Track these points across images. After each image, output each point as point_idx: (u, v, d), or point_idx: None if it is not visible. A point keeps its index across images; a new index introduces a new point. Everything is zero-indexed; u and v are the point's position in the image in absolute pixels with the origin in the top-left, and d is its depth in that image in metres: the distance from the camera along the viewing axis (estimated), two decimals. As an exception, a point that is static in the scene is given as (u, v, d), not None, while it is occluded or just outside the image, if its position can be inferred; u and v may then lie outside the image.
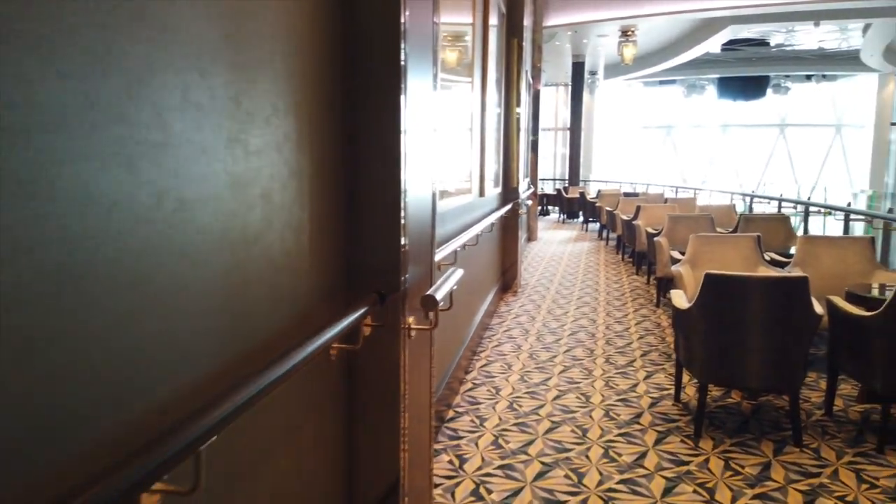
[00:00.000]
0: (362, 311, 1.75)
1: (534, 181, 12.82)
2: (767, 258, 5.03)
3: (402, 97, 1.84)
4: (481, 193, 5.14)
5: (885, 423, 3.13)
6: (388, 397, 1.94)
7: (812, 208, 9.69)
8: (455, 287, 2.28)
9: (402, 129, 1.86)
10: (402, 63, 1.83)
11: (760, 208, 11.94)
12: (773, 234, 6.33)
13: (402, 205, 1.88)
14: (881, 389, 3.10)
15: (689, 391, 3.96)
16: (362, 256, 1.93)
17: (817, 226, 10.25)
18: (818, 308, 3.17)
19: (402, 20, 1.80)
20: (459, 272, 2.37)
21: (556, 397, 3.95)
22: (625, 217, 9.49)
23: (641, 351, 4.93)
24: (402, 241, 1.90)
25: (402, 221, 1.88)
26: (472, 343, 4.89)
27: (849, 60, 18.17)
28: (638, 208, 8.85)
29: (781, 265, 4.86)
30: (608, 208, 11.63)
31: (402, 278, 1.92)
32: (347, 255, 1.91)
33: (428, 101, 2.22)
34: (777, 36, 17.08)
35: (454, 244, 3.59)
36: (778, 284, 3.12)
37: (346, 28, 1.83)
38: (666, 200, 10.71)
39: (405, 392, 1.93)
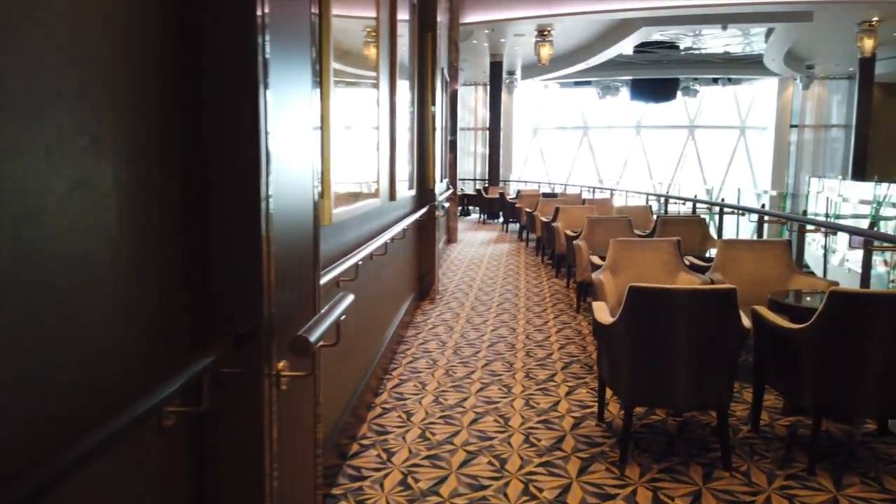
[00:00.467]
0: (207, 361, 1.33)
1: (453, 181, 12.54)
2: (687, 262, 4.90)
3: (263, 95, 1.44)
4: (392, 197, 4.75)
5: (815, 441, 2.96)
6: (249, 470, 1.51)
7: (726, 209, 9.87)
8: (343, 317, 1.89)
9: (264, 129, 1.46)
10: (264, 57, 1.45)
11: (675, 209, 12.14)
12: (690, 237, 6.27)
13: (264, 217, 1.46)
14: (812, 405, 2.93)
15: (613, 408, 3.72)
16: (211, 287, 1.50)
17: (730, 227, 10.47)
18: (746, 321, 2.97)
19: (260, 11, 1.43)
20: (349, 298, 1.97)
21: (473, 421, 3.61)
22: (544, 219, 9.34)
23: (562, 363, 4.67)
24: (265, 264, 1.48)
25: (265, 237, 1.47)
26: (384, 360, 4.49)
27: (752, 65, 18.96)
28: (557, 210, 8.70)
29: (702, 270, 4.73)
30: (527, 209, 11.50)
31: (266, 312, 1.50)
32: (192, 286, 1.47)
33: (307, 99, 1.84)
34: (686, 39, 17.61)
35: (356, 257, 3.18)
36: (706, 297, 2.90)
37: (187, 16, 1.42)
38: (584, 202, 10.67)
39: (272, 463, 1.51)
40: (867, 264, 5.24)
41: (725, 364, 2.94)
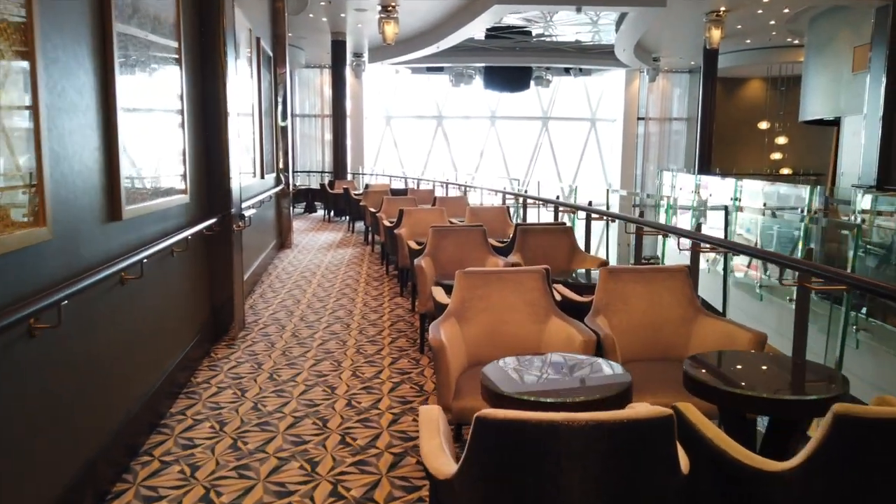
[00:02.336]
0: None
1: (281, 174, 10.68)
2: (558, 296, 3.63)
3: None
4: (113, 214, 3.02)
5: None
6: None
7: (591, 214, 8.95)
8: None
9: None
10: None
11: (533, 207, 11.17)
12: (556, 252, 5.09)
13: None
14: None
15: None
16: None
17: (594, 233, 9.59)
18: (683, 460, 1.64)
19: None
20: None
21: None
22: (387, 222, 7.88)
23: (393, 456, 3.21)
24: None
25: None
26: (111, 462, 2.78)
27: (603, 55, 18.75)
28: (401, 213, 7.27)
29: (577, 310, 3.45)
30: (372, 209, 9.98)
31: None
32: None
33: None
34: (538, 26, 16.92)
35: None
36: (617, 432, 1.52)
37: None
38: (435, 200, 9.34)
39: None
40: (695, 264, 4.43)
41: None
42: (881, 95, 10.08)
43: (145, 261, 3.17)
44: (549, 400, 2.16)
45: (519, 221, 8.07)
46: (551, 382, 2.44)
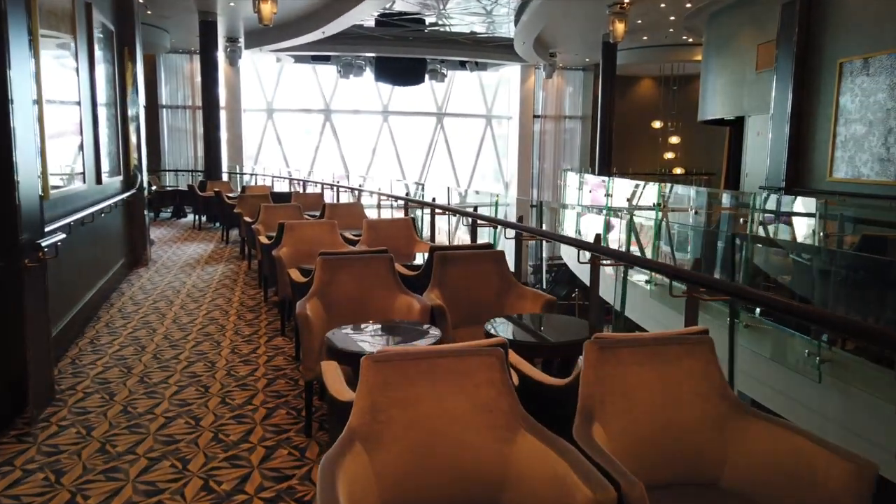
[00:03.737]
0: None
1: (138, 175, 8.80)
2: (514, 376, 2.43)
3: None
4: None
5: None
6: None
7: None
8: None
9: None
10: None
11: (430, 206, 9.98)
12: (484, 287, 3.91)
13: None
14: None
15: None
16: None
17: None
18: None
19: None
20: None
21: None
22: (265, 239, 6.39)
23: None
24: None
25: None
26: None
27: (499, 49, 17.94)
28: (281, 228, 5.82)
29: (552, 400, 2.27)
30: (248, 218, 8.39)
31: None
32: None
33: None
34: (431, 14, 15.76)
35: None
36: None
37: None
38: (324, 209, 7.90)
39: None
40: (595, 281, 3.89)
41: None
42: (789, 95, 9.78)
43: None
44: None
45: (428, 238, 6.84)
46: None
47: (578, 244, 4.23)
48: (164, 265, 8.61)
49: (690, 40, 15.65)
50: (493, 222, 6.47)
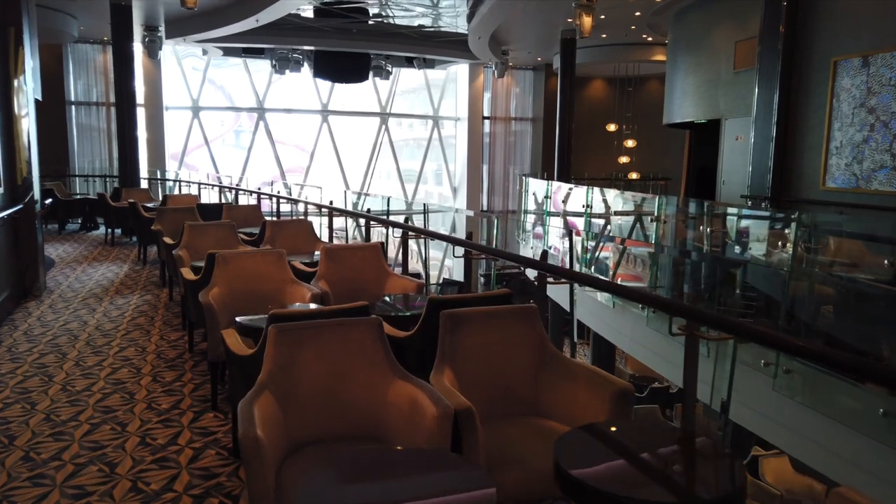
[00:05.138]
0: None
1: (12, 182, 7.12)
2: None
3: None
4: None
5: None
6: None
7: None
8: None
9: None
10: None
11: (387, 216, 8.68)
12: (510, 349, 2.73)
13: None
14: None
15: None
16: None
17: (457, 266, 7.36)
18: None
19: None
20: None
21: None
22: (191, 274, 4.96)
23: None
24: None
25: None
26: None
27: (447, 44, 16.79)
28: (211, 261, 4.42)
29: None
30: (169, 239, 6.88)
31: None
32: None
33: None
34: (374, 4, 14.41)
35: None
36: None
37: None
38: (265, 228, 6.48)
39: None
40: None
41: None
42: (775, 96, 9.02)
43: None
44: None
45: (399, 266, 5.54)
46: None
47: (523, 262, 4.21)
48: (62, 296, 6.99)
49: (650, 39, 14.95)
50: (446, 240, 5.29)
